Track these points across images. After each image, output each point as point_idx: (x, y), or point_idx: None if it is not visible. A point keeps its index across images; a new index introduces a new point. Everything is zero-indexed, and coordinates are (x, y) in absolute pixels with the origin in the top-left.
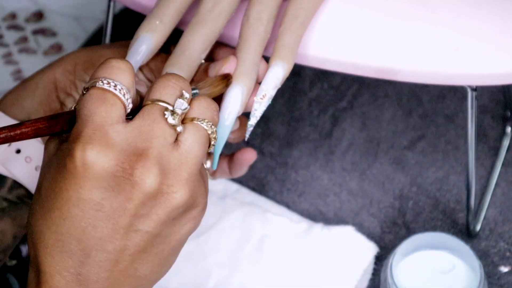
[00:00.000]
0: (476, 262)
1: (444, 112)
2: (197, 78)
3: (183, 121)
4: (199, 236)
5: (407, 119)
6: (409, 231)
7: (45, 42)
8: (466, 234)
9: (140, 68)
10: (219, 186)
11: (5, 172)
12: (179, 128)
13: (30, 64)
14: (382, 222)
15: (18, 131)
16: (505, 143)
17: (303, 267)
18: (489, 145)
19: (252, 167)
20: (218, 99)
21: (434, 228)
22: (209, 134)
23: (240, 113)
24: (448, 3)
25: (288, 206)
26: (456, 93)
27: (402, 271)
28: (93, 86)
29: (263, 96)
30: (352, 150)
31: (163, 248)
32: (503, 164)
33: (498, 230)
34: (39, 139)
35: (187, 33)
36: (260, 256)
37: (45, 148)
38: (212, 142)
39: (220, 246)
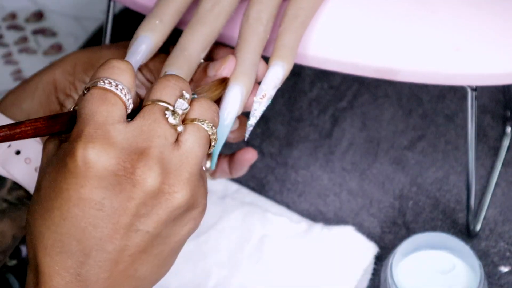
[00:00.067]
0: (476, 262)
1: (444, 112)
2: (196, 78)
3: (183, 122)
4: (199, 236)
5: (407, 119)
6: (409, 231)
7: (45, 42)
8: (466, 234)
9: (139, 69)
10: (219, 186)
11: (4, 173)
12: (179, 128)
13: (30, 64)
14: (382, 222)
15: (18, 130)
16: (505, 143)
17: (303, 267)
18: (489, 145)
19: (252, 167)
20: (217, 99)
21: (434, 228)
22: (209, 135)
23: (239, 113)
24: (448, 3)
25: (288, 206)
26: (456, 93)
27: (402, 271)
28: (94, 86)
29: (263, 96)
30: (352, 150)
31: (163, 249)
32: (503, 164)
33: (498, 230)
34: (38, 140)
35: (187, 32)
36: (260, 256)
37: (44, 149)
38: (213, 143)
39: (220, 246)
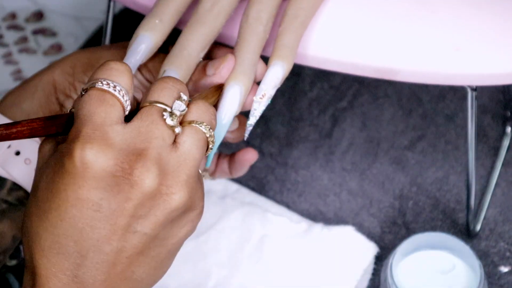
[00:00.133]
0: (476, 262)
1: (444, 112)
2: (195, 77)
3: (181, 124)
4: (199, 236)
5: (407, 119)
6: (409, 231)
7: (45, 42)
8: (466, 234)
9: (139, 69)
10: (219, 186)
11: (4, 174)
12: (177, 130)
13: (30, 64)
14: (382, 222)
15: (14, 130)
16: (505, 143)
17: (303, 267)
18: (489, 145)
19: (252, 167)
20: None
21: (434, 228)
22: (207, 137)
23: (237, 113)
24: (448, 3)
25: (288, 206)
26: (456, 93)
27: (402, 271)
28: (92, 87)
29: (263, 95)
30: (352, 150)
31: (160, 251)
32: (503, 164)
33: (498, 230)
34: (38, 141)
35: (186, 32)
36: (260, 256)
37: (40, 150)
38: (210, 146)
39: (220, 246)
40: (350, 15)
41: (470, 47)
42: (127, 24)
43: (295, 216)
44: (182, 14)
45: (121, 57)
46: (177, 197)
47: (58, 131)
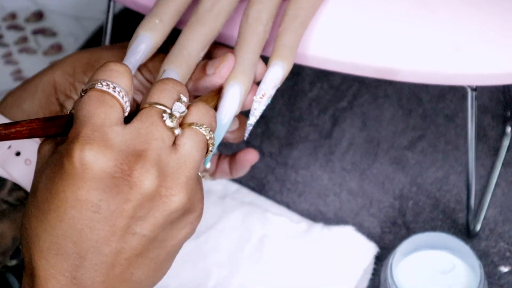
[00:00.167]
0: (476, 262)
1: (444, 112)
2: (195, 76)
3: (181, 126)
4: (199, 236)
5: (407, 119)
6: (409, 231)
7: (45, 42)
8: (466, 234)
9: (139, 69)
10: (219, 186)
11: (4, 175)
12: (177, 131)
13: (30, 64)
14: (382, 222)
15: (13, 130)
16: (505, 143)
17: (303, 267)
18: (489, 145)
19: (252, 167)
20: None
21: (434, 228)
22: (207, 140)
23: (237, 112)
24: (448, 3)
25: (288, 206)
26: (456, 93)
27: (402, 271)
28: (92, 88)
29: (263, 95)
30: (352, 150)
31: (159, 253)
32: (503, 164)
33: (498, 230)
34: (38, 141)
35: (186, 31)
36: (260, 256)
37: (39, 151)
38: (210, 148)
39: (220, 246)
40: (350, 15)
41: (470, 47)
42: (127, 24)
43: (295, 216)
44: (182, 14)
45: (121, 58)
46: (176, 199)
47: (58, 132)
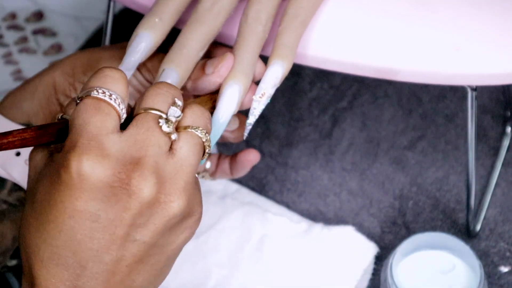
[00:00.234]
0: (476, 262)
1: (444, 112)
2: (194, 76)
3: (177, 130)
4: (199, 236)
5: (407, 119)
6: (409, 231)
7: (45, 42)
8: (466, 234)
9: (138, 68)
10: (219, 186)
11: (4, 175)
12: (173, 136)
13: (30, 64)
14: (382, 222)
15: (5, 141)
16: (505, 143)
17: (303, 267)
18: (489, 145)
19: (252, 167)
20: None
21: (434, 228)
22: (203, 142)
23: (235, 112)
24: (448, 3)
25: (288, 206)
26: (456, 93)
27: (402, 271)
28: (88, 96)
29: (262, 95)
30: (352, 150)
31: (159, 258)
32: (503, 164)
33: (498, 230)
34: None
35: (185, 31)
36: (260, 256)
37: (31, 159)
38: (207, 150)
39: (220, 246)
40: (350, 15)
41: (470, 47)
42: (127, 24)
43: (295, 216)
44: (181, 13)
45: (121, 58)
46: (175, 204)
47: (50, 141)
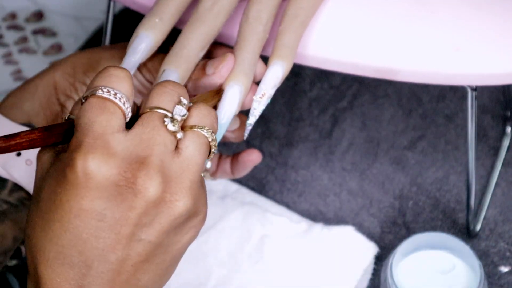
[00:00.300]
0: (476, 262)
1: (444, 112)
2: (195, 76)
3: (182, 129)
4: (199, 236)
5: (407, 119)
6: (409, 231)
7: (45, 42)
8: (466, 234)
9: (138, 69)
10: (219, 186)
11: (5, 175)
12: (179, 135)
13: (30, 64)
14: (382, 222)
15: (13, 142)
16: (505, 143)
17: (303, 267)
18: (489, 145)
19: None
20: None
21: (434, 228)
22: (209, 142)
23: (237, 112)
24: (448, 3)
25: (288, 206)
26: (456, 93)
27: (402, 271)
28: (93, 95)
29: (262, 95)
30: (352, 150)
31: (164, 258)
32: (503, 164)
33: (498, 230)
34: None
35: (186, 31)
36: (260, 256)
37: (38, 158)
38: (213, 149)
39: (220, 246)
40: (350, 15)
41: (470, 47)
42: (127, 24)
43: (295, 216)
44: (182, 13)
45: (121, 58)
46: (181, 204)
47: (57, 141)
